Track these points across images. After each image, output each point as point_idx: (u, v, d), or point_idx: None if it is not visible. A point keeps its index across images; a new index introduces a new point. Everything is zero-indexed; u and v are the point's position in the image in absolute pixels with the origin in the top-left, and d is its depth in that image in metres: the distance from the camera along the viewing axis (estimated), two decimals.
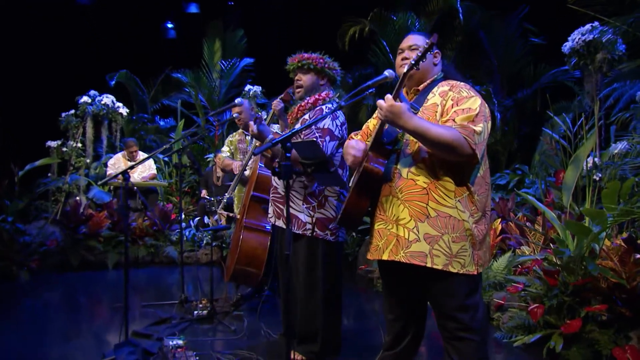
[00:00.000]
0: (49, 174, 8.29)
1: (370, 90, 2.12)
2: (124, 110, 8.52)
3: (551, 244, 3.60)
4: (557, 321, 2.89)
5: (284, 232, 2.99)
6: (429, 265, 1.99)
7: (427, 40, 2.20)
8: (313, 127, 2.72)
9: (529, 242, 3.98)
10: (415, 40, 2.19)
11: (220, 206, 4.88)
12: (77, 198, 8.08)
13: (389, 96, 1.92)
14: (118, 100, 8.53)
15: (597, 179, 3.87)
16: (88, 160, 8.29)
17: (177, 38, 10.76)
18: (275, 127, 4.15)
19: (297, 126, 2.85)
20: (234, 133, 4.79)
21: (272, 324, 3.66)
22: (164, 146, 4.02)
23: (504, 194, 5.35)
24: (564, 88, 6.42)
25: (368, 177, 2.09)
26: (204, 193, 7.69)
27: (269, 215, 3.00)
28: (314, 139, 1.88)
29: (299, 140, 1.92)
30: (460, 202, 2.00)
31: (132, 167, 3.01)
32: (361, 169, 2.09)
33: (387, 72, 2.19)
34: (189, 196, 8.63)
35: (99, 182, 6.23)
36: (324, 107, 2.84)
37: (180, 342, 2.95)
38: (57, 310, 4.60)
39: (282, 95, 3.40)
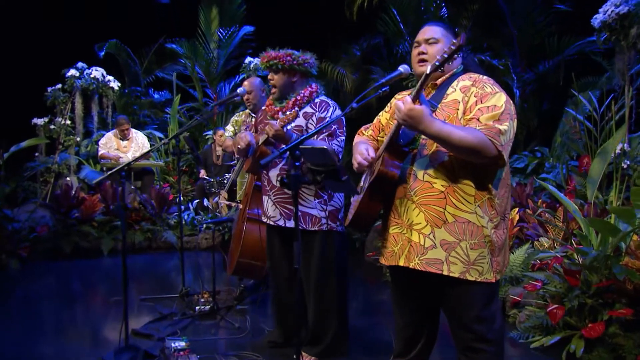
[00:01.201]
0: (36, 154, 8.30)
1: (384, 89, 2.11)
2: (115, 84, 8.49)
3: (572, 238, 3.62)
4: (577, 323, 2.93)
5: (282, 231, 3.05)
6: (445, 273, 2.01)
7: (447, 34, 2.18)
8: (328, 119, 2.88)
9: (548, 232, 4.00)
10: (433, 32, 2.15)
11: (226, 187, 4.87)
12: (68, 179, 8.13)
13: (407, 98, 1.90)
14: (108, 73, 8.49)
15: (625, 166, 3.86)
16: (78, 139, 8.31)
17: (170, 4, 10.58)
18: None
19: (296, 121, 2.92)
20: (240, 112, 4.75)
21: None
22: (162, 141, 3.99)
23: (522, 178, 5.34)
24: (591, 62, 6.29)
25: (382, 181, 2.08)
26: (202, 173, 7.73)
27: (274, 217, 3.02)
28: (325, 147, 1.87)
29: (309, 147, 1.91)
30: (479, 207, 2.00)
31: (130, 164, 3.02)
32: (375, 172, 2.10)
33: (402, 68, 2.18)
34: (186, 175, 8.67)
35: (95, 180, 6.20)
36: (325, 99, 2.97)
37: (183, 343, 3.01)
38: (51, 304, 4.66)
39: None
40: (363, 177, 2.40)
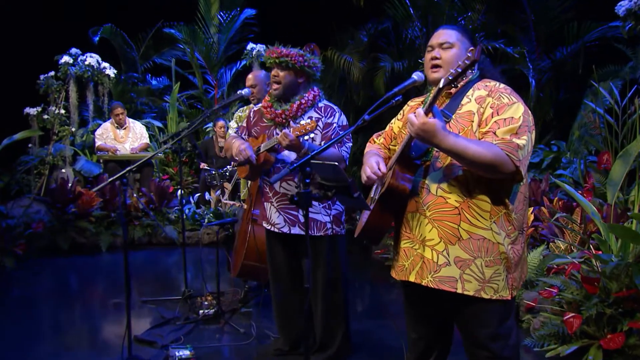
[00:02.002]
0: (30, 145, 8.34)
1: (397, 99, 2.11)
2: (111, 72, 8.50)
3: (590, 241, 3.63)
4: (595, 332, 2.96)
5: (286, 238, 3.09)
6: (459, 291, 2.03)
7: (463, 38, 2.17)
8: (336, 126, 2.94)
9: (564, 232, 4.01)
10: (447, 36, 2.15)
11: (232, 182, 4.88)
12: (63, 171, 8.17)
13: (420, 111, 1.90)
14: (103, 59, 8.49)
15: None
16: (73, 129, 8.33)
17: None
18: None
19: (303, 122, 2.88)
20: (244, 107, 4.76)
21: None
22: (164, 147, 4.03)
23: (537, 173, 5.34)
24: (613, 49, 6.21)
25: (392, 194, 2.10)
26: (202, 165, 7.74)
27: (278, 224, 3.05)
28: (336, 164, 1.89)
29: (320, 162, 1.93)
30: (495, 224, 2.02)
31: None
32: (385, 185, 2.11)
33: (416, 76, 2.18)
34: (187, 166, 8.69)
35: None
36: (329, 103, 3.03)
37: (187, 352, 3.07)
38: (48, 305, 4.73)
39: None
40: (374, 188, 2.41)
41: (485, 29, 6.89)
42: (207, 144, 7.76)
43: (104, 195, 6.82)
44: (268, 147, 2.94)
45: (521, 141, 1.92)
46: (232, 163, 5.94)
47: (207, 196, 7.31)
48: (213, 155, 7.68)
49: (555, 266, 3.52)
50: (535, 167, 5.40)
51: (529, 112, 2.04)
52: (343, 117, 3.00)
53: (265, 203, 3.17)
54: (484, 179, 1.99)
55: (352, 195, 1.88)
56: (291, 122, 2.98)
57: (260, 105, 3.23)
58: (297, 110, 2.95)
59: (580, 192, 4.36)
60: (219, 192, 7.26)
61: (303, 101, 2.96)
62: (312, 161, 1.90)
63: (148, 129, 8.29)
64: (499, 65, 6.43)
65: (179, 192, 6.66)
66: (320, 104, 3.02)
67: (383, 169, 2.17)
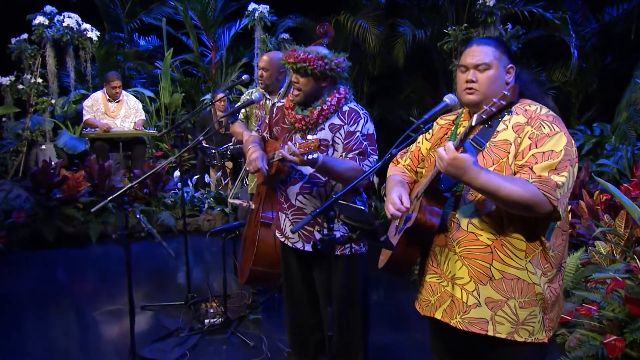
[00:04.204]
0: (4, 119, 8.39)
1: (428, 126, 2.19)
2: (93, 34, 8.52)
3: (636, 247, 3.74)
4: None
5: (300, 254, 3.22)
6: (490, 333, 2.17)
7: (501, 56, 2.17)
8: (359, 135, 2.95)
9: (605, 234, 4.10)
10: (483, 56, 2.19)
11: (239, 178, 4.99)
12: (43, 147, 8.28)
13: (450, 146, 1.96)
14: (84, 18, 8.50)
15: None
16: (53, 101, 8.39)
17: None
18: None
19: (320, 134, 3.00)
20: (251, 90, 4.83)
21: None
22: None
23: None
24: None
25: (420, 230, 2.22)
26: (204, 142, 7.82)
27: (292, 238, 3.18)
28: (363, 208, 2.01)
29: (345, 203, 2.04)
30: (531, 263, 2.13)
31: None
32: (412, 220, 2.23)
33: (448, 99, 2.23)
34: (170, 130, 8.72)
35: None
36: (354, 106, 3.04)
37: None
38: (35, 308, 4.82)
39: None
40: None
41: None
42: (205, 119, 7.80)
43: (92, 179, 6.94)
44: (279, 158, 3.02)
45: (560, 179, 1.99)
46: (234, 140, 6.06)
47: (206, 178, 7.44)
48: (212, 132, 7.76)
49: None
50: None
51: (572, 142, 2.09)
52: (369, 125, 3.00)
53: (279, 213, 3.28)
54: (518, 216, 2.08)
55: (378, 239, 2.00)
56: (296, 136, 3.06)
57: (283, 102, 3.30)
58: (319, 117, 3.00)
59: (625, 186, 4.42)
60: (219, 173, 7.40)
61: (325, 107, 2.99)
62: (339, 202, 2.00)
63: (137, 97, 8.35)
64: (535, 31, 6.39)
65: (176, 172, 6.79)
66: (345, 108, 3.02)
67: (407, 203, 2.26)
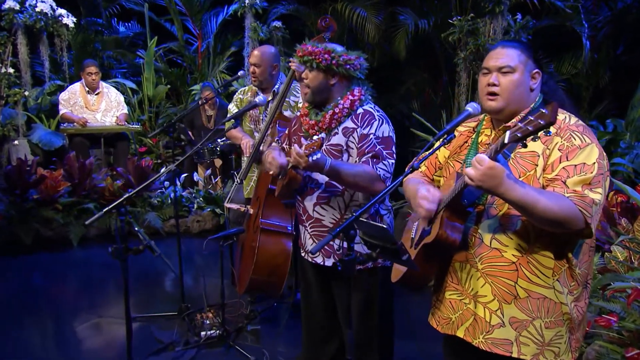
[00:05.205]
0: None
1: (450, 137, 2.22)
2: (69, 20, 8.48)
3: None
4: None
5: (321, 270, 3.25)
6: (514, 355, 2.21)
7: (526, 59, 2.18)
8: (372, 137, 2.94)
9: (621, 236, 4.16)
10: (507, 59, 2.20)
11: (241, 175, 5.00)
12: (15, 142, 8.25)
13: (483, 157, 1.94)
14: (59, 4, 8.45)
15: None
16: (26, 93, 8.34)
17: None
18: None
19: (334, 139, 3.03)
20: (244, 89, 4.84)
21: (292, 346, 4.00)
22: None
23: None
24: None
25: (440, 246, 2.26)
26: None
27: (312, 252, 3.20)
28: (384, 226, 2.03)
29: (366, 220, 2.07)
30: (558, 281, 2.17)
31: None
32: (432, 236, 2.26)
33: (471, 108, 2.27)
34: (166, 135, 8.76)
35: None
36: (370, 108, 3.03)
37: None
38: (11, 322, 4.67)
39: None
40: (414, 228, 2.57)
41: None
42: (193, 114, 7.78)
43: (72, 178, 6.92)
44: (289, 166, 3.02)
45: (595, 195, 2.02)
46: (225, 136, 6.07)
47: (195, 176, 7.44)
48: (200, 126, 7.75)
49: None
50: None
51: (604, 154, 2.11)
52: (384, 127, 2.99)
53: (300, 226, 3.30)
54: (546, 231, 2.11)
55: (400, 258, 2.04)
56: (303, 139, 3.09)
57: (299, 112, 3.34)
58: (331, 121, 3.01)
59: None
60: (209, 171, 7.41)
61: (337, 110, 3.00)
62: (360, 219, 2.04)
63: (118, 89, 8.32)
64: (545, 20, 6.44)
65: (163, 170, 6.77)
66: (359, 110, 3.03)
67: (438, 195, 2.29)
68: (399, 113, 7.80)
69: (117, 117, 7.64)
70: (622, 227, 4.20)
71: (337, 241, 3.07)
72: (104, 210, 3.16)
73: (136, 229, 3.24)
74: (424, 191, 2.30)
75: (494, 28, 6.05)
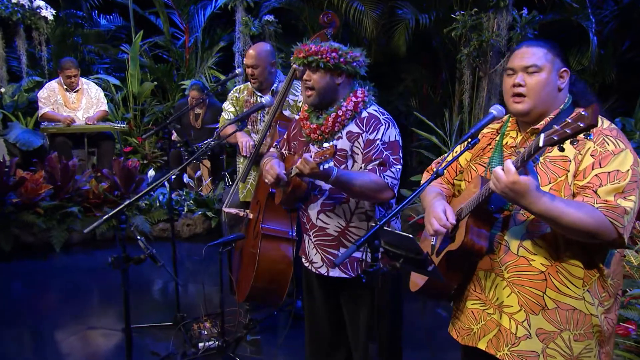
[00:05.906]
0: None
1: (474, 141, 2.22)
2: (48, 13, 8.39)
3: None
4: None
5: (326, 281, 3.24)
6: None
7: (554, 59, 2.17)
8: (379, 143, 2.92)
9: (637, 242, 4.20)
10: (534, 58, 2.19)
11: (240, 178, 4.98)
12: None
13: (510, 167, 1.95)
14: None
15: None
16: (2, 89, 8.26)
17: None
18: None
19: (338, 144, 3.00)
20: (241, 87, 4.83)
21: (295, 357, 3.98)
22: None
23: None
24: None
25: (465, 253, 2.26)
26: (174, 136, 7.77)
27: (316, 263, 3.19)
28: (411, 236, 2.03)
29: (390, 230, 2.07)
30: (589, 292, 2.18)
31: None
32: (457, 243, 2.26)
33: (495, 111, 2.28)
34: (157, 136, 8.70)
35: None
36: (375, 112, 3.02)
37: None
38: None
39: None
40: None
41: None
42: (180, 109, 7.73)
43: (54, 180, 6.84)
44: (295, 172, 2.96)
45: (628, 204, 2.02)
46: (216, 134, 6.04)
47: (185, 178, 7.41)
48: (188, 125, 7.71)
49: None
50: None
51: (638, 160, 2.10)
52: (391, 131, 2.97)
53: (304, 235, 3.28)
54: (576, 240, 2.10)
55: (426, 269, 2.04)
56: (311, 145, 3.08)
57: (298, 116, 3.30)
58: (334, 125, 2.99)
59: None
60: (199, 172, 7.39)
61: (340, 112, 2.98)
62: (384, 228, 2.03)
63: (100, 86, 8.25)
64: (550, 14, 6.47)
65: (150, 172, 6.76)
66: (363, 113, 3.01)
67: (452, 219, 2.30)
68: (395, 110, 7.77)
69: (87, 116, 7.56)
70: (636, 230, 4.23)
71: (341, 250, 3.09)
72: (104, 217, 3.10)
73: (138, 237, 3.17)
74: (439, 210, 2.32)
75: (499, 23, 6.07)
